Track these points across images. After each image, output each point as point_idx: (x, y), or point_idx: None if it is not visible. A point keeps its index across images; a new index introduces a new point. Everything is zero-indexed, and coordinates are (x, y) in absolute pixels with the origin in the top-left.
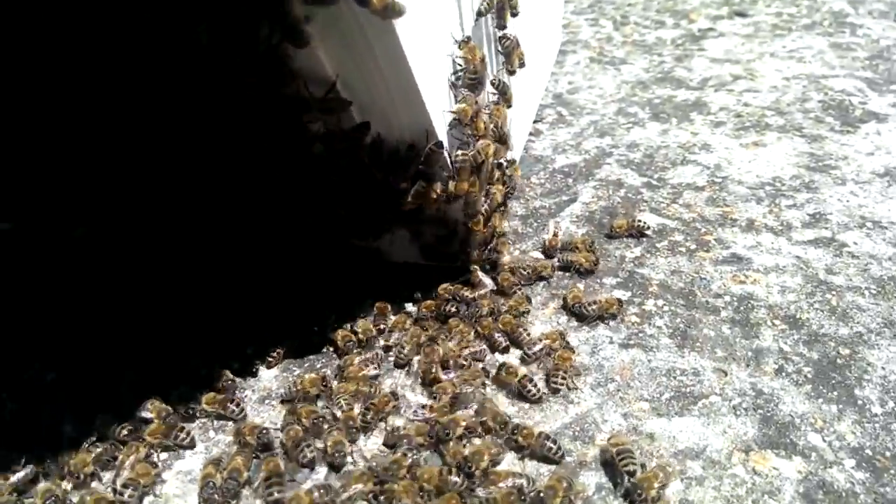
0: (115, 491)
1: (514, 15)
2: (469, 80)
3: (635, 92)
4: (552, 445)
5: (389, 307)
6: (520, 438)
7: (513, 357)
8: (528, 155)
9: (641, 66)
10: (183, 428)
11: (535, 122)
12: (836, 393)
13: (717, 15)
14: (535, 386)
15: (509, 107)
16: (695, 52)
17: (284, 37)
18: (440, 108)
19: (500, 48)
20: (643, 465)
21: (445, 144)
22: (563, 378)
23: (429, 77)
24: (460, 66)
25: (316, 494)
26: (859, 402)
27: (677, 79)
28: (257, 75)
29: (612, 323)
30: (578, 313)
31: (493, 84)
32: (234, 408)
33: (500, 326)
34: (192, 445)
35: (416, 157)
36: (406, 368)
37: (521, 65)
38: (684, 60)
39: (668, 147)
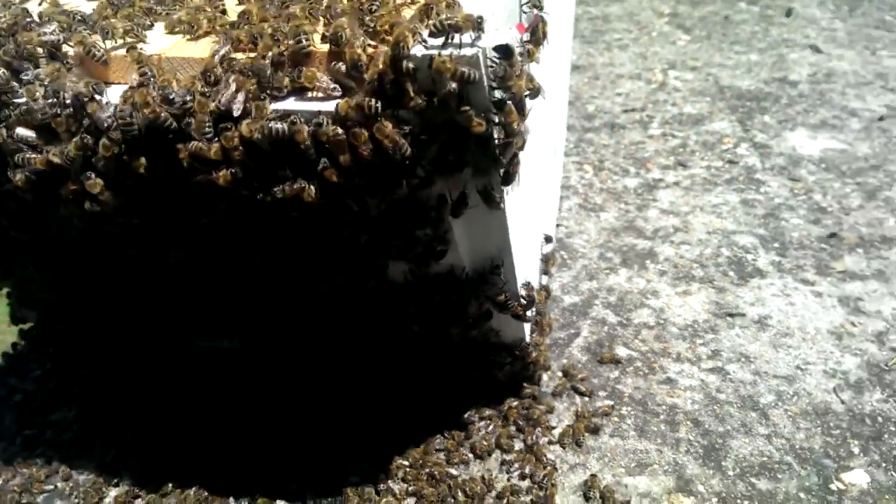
0: None
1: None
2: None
3: (610, 239)
4: None
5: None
6: None
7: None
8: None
9: (614, 214)
10: None
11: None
12: (712, 465)
13: (666, 164)
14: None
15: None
16: (650, 203)
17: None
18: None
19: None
20: None
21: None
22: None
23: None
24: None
25: None
26: (724, 469)
27: (638, 228)
28: None
29: (606, 421)
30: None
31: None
32: None
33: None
34: None
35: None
36: None
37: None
38: (643, 210)
39: (632, 293)
